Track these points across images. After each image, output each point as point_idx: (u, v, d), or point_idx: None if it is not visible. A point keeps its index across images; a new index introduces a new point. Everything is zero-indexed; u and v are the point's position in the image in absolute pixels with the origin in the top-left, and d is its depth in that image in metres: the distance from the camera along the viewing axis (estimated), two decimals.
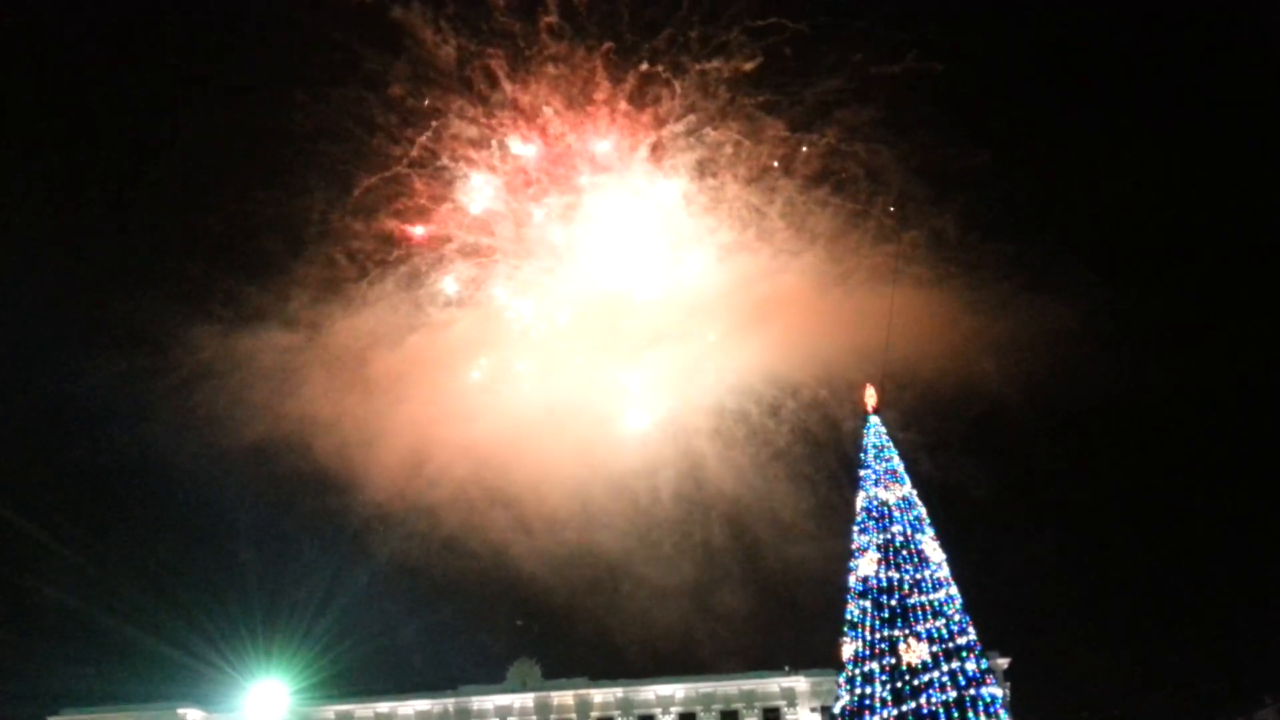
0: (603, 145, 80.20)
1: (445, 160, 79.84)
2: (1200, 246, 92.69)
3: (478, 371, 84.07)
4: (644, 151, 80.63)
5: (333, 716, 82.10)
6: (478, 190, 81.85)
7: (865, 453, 47.06)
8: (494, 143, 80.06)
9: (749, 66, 77.00)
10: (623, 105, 78.57)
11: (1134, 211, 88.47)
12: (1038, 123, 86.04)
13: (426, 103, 79.37)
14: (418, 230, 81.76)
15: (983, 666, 41.99)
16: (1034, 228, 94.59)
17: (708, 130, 79.61)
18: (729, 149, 79.43)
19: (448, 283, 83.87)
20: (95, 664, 78.66)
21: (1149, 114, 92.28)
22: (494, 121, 79.46)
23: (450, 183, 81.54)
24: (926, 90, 77.78)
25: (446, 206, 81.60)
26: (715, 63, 77.52)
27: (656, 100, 78.40)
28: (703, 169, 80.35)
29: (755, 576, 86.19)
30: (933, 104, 79.46)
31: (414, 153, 79.67)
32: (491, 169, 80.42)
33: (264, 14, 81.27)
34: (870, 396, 48.50)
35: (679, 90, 77.92)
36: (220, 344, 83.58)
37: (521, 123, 79.51)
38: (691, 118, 78.70)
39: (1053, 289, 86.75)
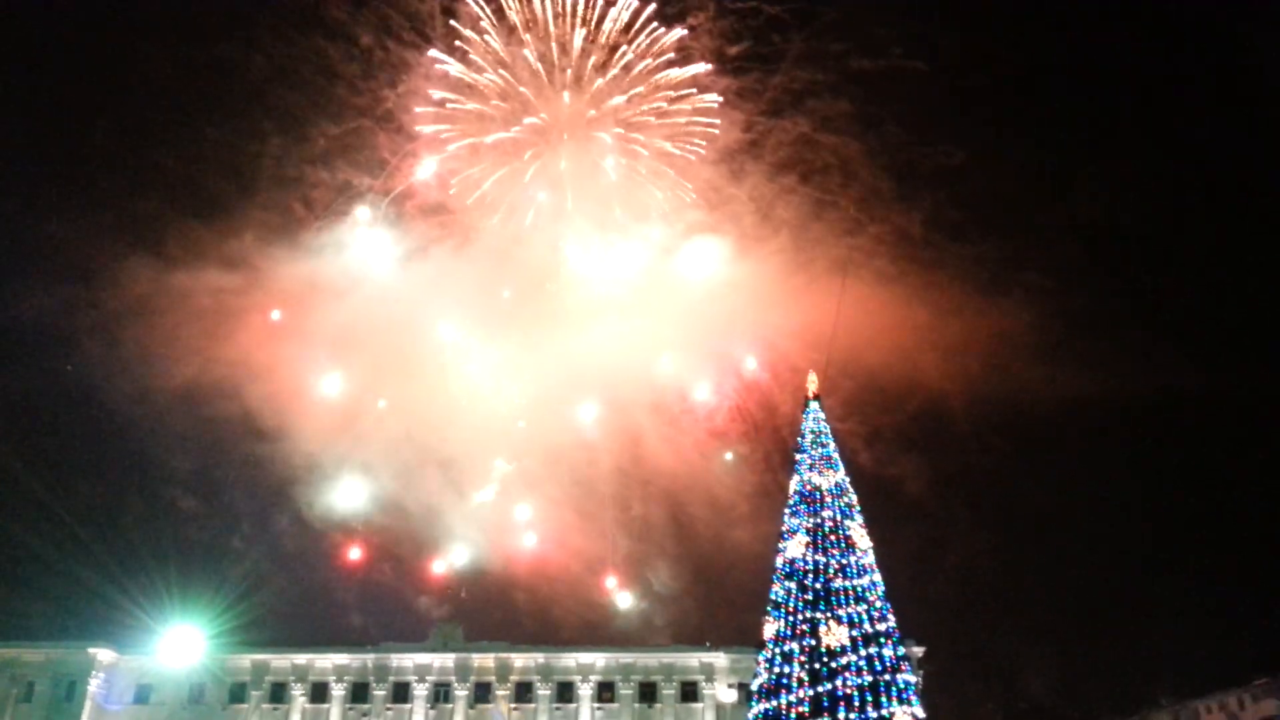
0: (568, 114, 79.38)
1: (410, 115, 78.56)
2: (1158, 259, 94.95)
3: (420, 331, 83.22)
4: (610, 123, 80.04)
5: (249, 666, 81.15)
6: (438, 150, 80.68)
7: (803, 437, 47.43)
8: (462, 104, 78.79)
9: (733, 50, 76.60)
10: (592, 76, 77.81)
11: (1096, 222, 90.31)
12: (1014, 128, 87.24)
13: (394, 54, 77.80)
14: (372, 185, 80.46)
15: (899, 653, 42.78)
16: (998, 232, 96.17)
17: (678, 105, 79.18)
18: (697, 129, 79.10)
19: (400, 241, 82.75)
20: (5, 601, 76.85)
21: (1126, 126, 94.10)
22: (463, 84, 78.15)
23: (413, 139, 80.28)
24: (905, 87, 78.32)
25: (407, 162, 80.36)
26: (686, 39, 76.98)
27: (627, 70, 77.73)
28: (669, 144, 79.93)
29: (687, 553, 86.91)
30: (909, 102, 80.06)
31: (378, 108, 78.27)
32: (454, 125, 79.22)
33: None
34: (812, 382, 48.83)
35: (650, 65, 77.32)
36: (156, 280, 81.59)
37: (491, 89, 78.32)
38: (663, 93, 78.18)
39: (1007, 293, 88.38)
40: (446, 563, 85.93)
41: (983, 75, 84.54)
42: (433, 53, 77.81)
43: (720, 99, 77.90)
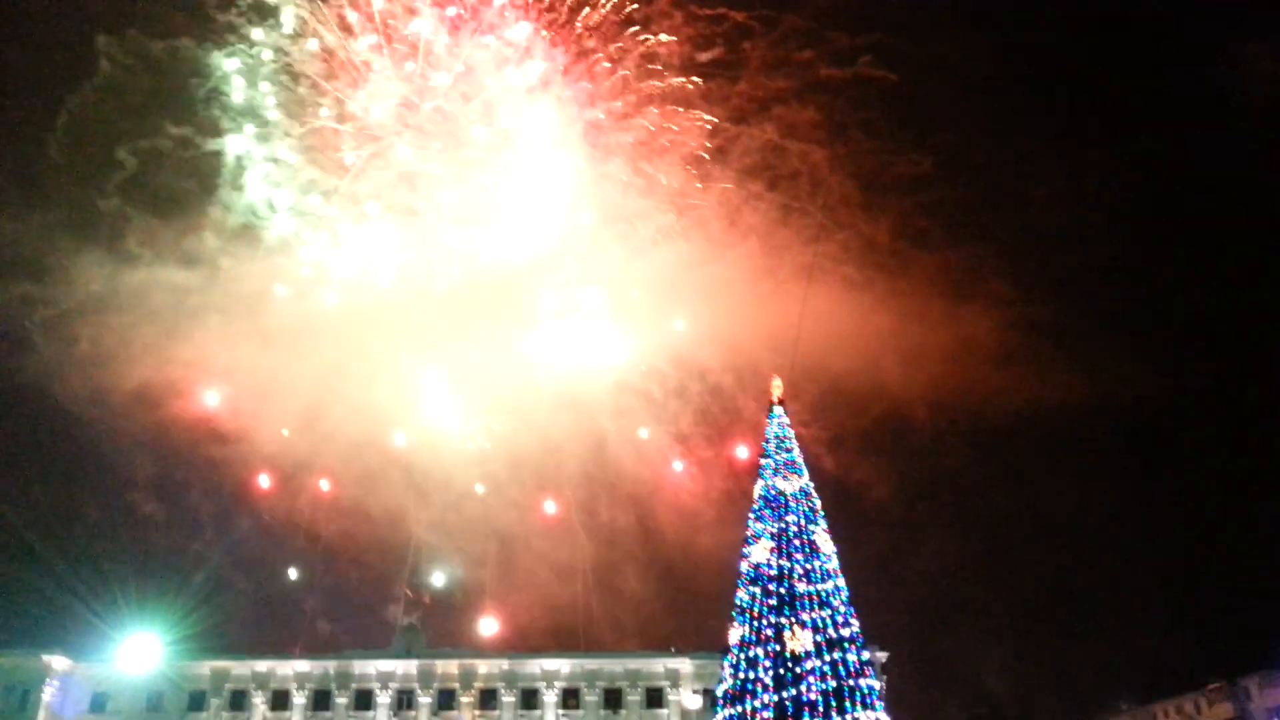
0: (539, 112, 79.22)
1: (373, 119, 78.05)
2: (1119, 266, 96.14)
3: (379, 332, 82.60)
4: (580, 127, 79.95)
5: (208, 673, 79.99)
6: (404, 149, 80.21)
7: (767, 442, 47.51)
8: (426, 106, 78.48)
9: (704, 56, 76.73)
10: (558, 81, 77.75)
11: (1058, 230, 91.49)
12: (978, 136, 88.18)
13: (358, 58, 77.31)
14: (340, 184, 79.88)
15: (863, 659, 42.94)
16: (962, 240, 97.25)
17: (648, 109, 79.28)
18: (665, 134, 79.27)
19: (361, 239, 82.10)
20: None
21: (1088, 134, 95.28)
22: (429, 84, 77.75)
23: (378, 139, 79.74)
24: (873, 95, 78.89)
25: (372, 162, 79.83)
26: (655, 45, 77.11)
27: (594, 78, 77.79)
28: (636, 150, 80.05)
29: (652, 558, 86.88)
30: (878, 109, 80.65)
31: (340, 109, 77.77)
32: (422, 132, 78.81)
33: None
34: (777, 387, 48.94)
35: (617, 70, 77.39)
36: (112, 278, 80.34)
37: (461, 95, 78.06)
38: (629, 97, 78.27)
39: (971, 300, 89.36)
40: (409, 568, 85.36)
41: (948, 83, 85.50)
42: (387, 50, 77.28)
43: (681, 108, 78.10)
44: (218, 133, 79.57)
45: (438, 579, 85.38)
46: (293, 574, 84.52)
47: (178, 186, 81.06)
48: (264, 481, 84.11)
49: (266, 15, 78.05)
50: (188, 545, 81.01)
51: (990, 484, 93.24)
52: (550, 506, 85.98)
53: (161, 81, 79.15)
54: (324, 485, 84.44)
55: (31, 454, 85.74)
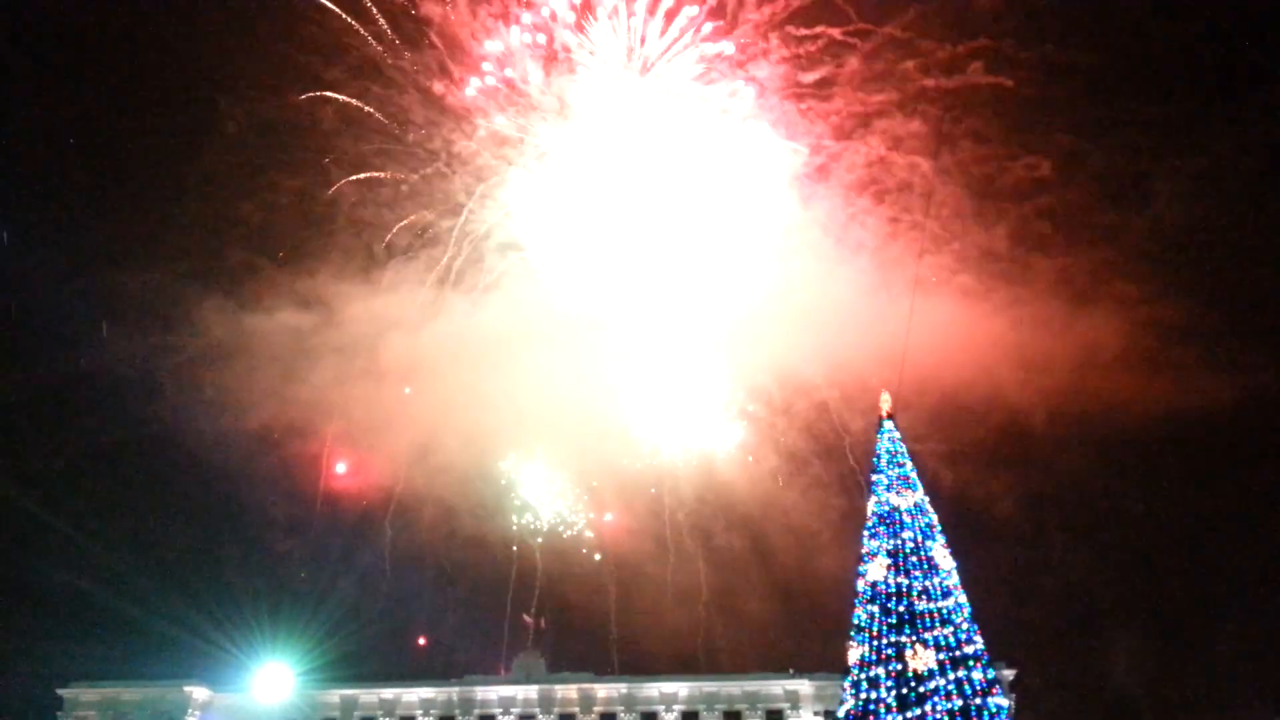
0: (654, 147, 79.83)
1: (483, 160, 79.85)
2: (1258, 256, 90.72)
3: (489, 362, 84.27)
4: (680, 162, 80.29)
5: (338, 701, 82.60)
6: (514, 186, 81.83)
7: (878, 458, 46.78)
8: (529, 143, 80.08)
9: (807, 77, 76.20)
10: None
11: (1182, 226, 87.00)
12: (1094, 136, 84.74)
13: (461, 102, 79.34)
14: (450, 226, 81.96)
15: (989, 676, 41.80)
16: (1086, 242, 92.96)
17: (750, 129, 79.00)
18: (768, 154, 78.98)
19: (474, 273, 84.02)
20: (105, 641, 79.37)
21: (1217, 125, 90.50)
22: (532, 114, 79.19)
23: (486, 179, 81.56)
24: (980, 102, 77.04)
25: (482, 200, 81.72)
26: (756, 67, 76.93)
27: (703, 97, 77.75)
28: (742, 170, 79.88)
29: (765, 579, 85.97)
30: (984, 116, 78.61)
31: (448, 151, 79.89)
32: (526, 168, 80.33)
33: (290, 14, 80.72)
34: (885, 402, 48.22)
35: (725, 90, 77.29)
36: (233, 323, 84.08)
37: (554, 117, 79.32)
38: (733, 118, 78.10)
39: (1095, 304, 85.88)
40: (528, 595, 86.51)
41: (1058, 85, 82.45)
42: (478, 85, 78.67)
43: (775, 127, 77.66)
44: (328, 184, 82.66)
45: (555, 605, 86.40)
46: (414, 602, 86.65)
47: (298, 235, 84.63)
48: (382, 512, 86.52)
49: (371, 71, 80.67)
50: (316, 577, 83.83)
51: (1121, 492, 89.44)
52: (664, 529, 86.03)
53: (276, 139, 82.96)
54: (438, 515, 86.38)
55: (171, 496, 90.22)
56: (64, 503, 79.07)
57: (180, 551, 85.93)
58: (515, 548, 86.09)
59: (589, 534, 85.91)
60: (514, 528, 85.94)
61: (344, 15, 77.87)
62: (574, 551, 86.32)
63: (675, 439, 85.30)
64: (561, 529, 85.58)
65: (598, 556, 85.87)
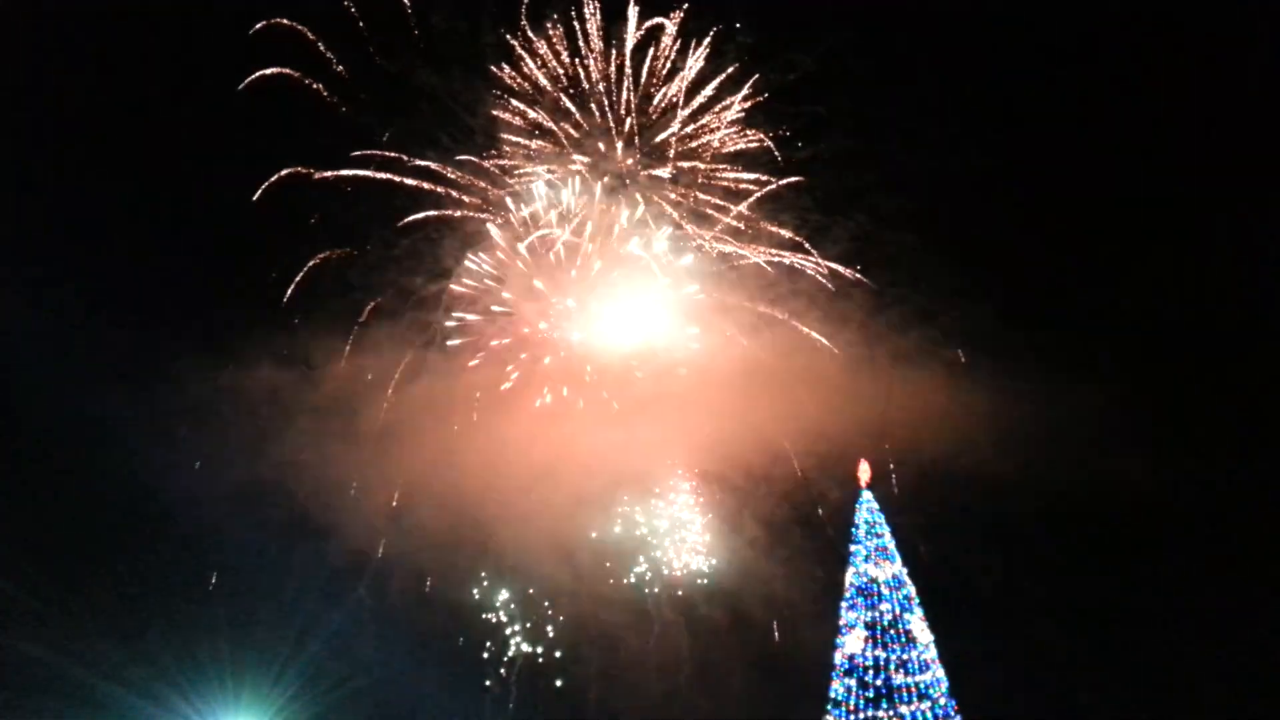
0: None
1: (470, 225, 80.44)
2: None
3: (459, 424, 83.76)
4: (667, 228, 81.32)
5: None
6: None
7: (856, 528, 46.74)
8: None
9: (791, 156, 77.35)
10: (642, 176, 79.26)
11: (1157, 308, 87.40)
12: (1088, 215, 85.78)
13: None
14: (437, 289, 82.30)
15: None
16: (1072, 316, 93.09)
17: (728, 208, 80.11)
18: (748, 227, 79.99)
19: (458, 334, 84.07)
20: (59, 716, 77.23)
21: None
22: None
23: (470, 246, 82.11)
24: (963, 185, 77.93)
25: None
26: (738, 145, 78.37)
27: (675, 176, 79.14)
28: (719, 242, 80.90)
29: (747, 650, 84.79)
30: (972, 199, 79.41)
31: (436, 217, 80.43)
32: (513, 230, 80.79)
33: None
34: (864, 472, 48.32)
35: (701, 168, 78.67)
36: (210, 380, 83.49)
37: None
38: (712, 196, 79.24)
39: (1082, 378, 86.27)
40: (497, 661, 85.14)
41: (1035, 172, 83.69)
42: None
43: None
44: (312, 254, 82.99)
45: (527, 668, 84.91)
46: (385, 664, 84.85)
47: (280, 290, 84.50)
48: (352, 576, 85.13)
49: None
50: (279, 640, 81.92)
51: (1100, 569, 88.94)
52: (641, 600, 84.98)
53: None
54: (410, 577, 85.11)
55: (134, 559, 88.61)
56: (25, 576, 77.40)
57: (142, 616, 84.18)
58: (493, 618, 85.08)
59: (566, 603, 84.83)
60: (497, 606, 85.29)
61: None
62: (549, 620, 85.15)
63: (654, 509, 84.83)
64: (539, 596, 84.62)
65: (575, 626, 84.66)
